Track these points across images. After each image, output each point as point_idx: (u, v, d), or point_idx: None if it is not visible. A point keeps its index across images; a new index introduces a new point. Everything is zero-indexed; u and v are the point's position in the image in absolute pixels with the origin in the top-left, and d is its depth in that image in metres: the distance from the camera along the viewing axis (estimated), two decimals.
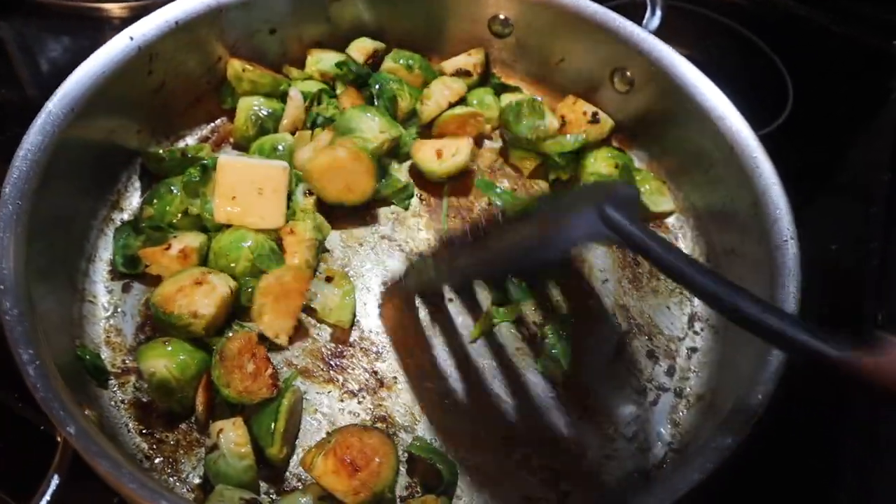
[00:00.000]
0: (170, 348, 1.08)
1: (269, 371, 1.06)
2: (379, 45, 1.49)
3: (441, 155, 1.37)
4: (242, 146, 1.39)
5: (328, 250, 1.28)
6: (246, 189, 1.21)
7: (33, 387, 0.86)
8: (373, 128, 1.32)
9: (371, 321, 1.22)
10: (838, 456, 1.23)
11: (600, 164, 1.41)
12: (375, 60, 1.49)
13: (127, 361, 1.14)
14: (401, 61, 1.48)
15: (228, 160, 1.23)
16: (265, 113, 1.38)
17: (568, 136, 1.42)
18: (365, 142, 1.30)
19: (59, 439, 0.99)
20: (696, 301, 1.32)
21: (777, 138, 1.64)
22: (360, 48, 1.47)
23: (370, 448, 1.03)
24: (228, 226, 1.22)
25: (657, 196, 1.43)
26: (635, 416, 1.18)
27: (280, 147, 1.34)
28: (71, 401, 0.89)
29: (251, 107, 1.38)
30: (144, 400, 1.10)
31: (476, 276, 1.23)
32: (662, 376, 1.23)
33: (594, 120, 1.46)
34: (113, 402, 1.09)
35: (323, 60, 1.45)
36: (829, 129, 1.79)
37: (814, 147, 1.72)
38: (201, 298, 1.10)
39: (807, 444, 1.23)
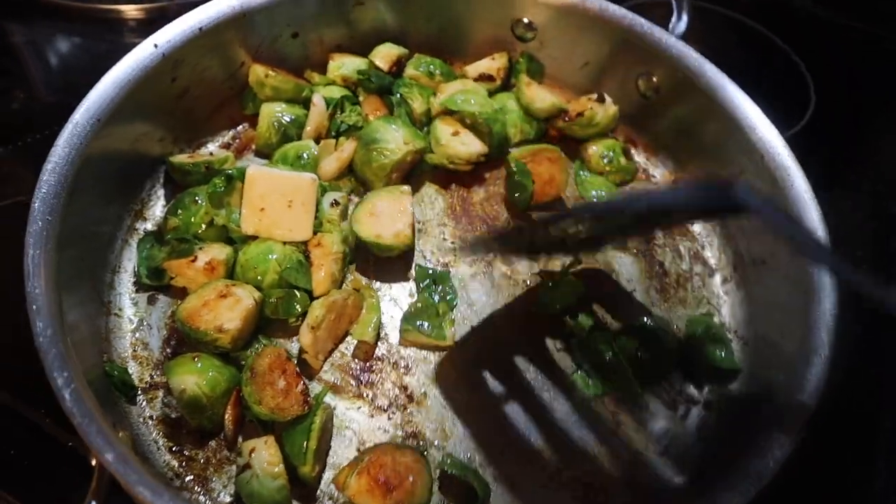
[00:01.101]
0: (199, 364, 1.07)
1: (300, 387, 1.05)
2: (403, 51, 1.47)
3: (458, 134, 1.37)
4: (265, 153, 1.38)
5: (354, 262, 1.27)
6: (274, 201, 1.20)
7: (70, 412, 0.85)
8: (397, 139, 1.30)
9: (399, 334, 1.20)
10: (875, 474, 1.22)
11: (598, 149, 1.44)
12: (399, 67, 1.46)
13: (154, 376, 1.12)
14: (421, 68, 1.46)
15: (257, 171, 1.21)
16: (288, 119, 1.36)
17: None
18: (390, 153, 1.28)
19: (93, 462, 0.98)
20: (724, 311, 1.31)
21: (800, 140, 1.62)
22: (385, 55, 1.45)
23: (403, 466, 1.02)
24: (255, 237, 1.20)
25: None
26: (665, 431, 1.17)
27: (304, 155, 1.32)
28: (107, 425, 0.88)
29: (273, 113, 1.36)
30: (173, 416, 1.09)
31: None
32: (692, 389, 1.21)
33: (599, 99, 1.45)
34: (142, 419, 1.08)
35: (345, 65, 1.43)
36: (853, 129, 1.78)
37: (837, 149, 1.71)
38: (226, 312, 1.09)
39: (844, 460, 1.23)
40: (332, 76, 1.43)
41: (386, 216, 1.24)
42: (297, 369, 1.08)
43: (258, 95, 1.39)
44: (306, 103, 1.39)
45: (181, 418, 1.08)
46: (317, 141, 1.36)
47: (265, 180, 1.21)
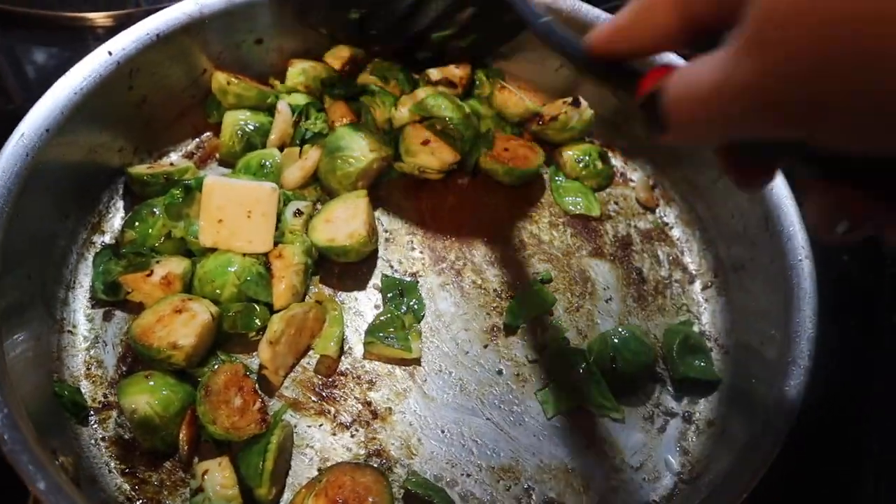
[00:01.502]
0: (152, 383, 1.02)
1: (258, 405, 1.01)
2: (356, 50, 1.42)
3: (428, 143, 1.32)
4: (230, 162, 1.33)
5: (317, 274, 1.22)
6: (233, 211, 1.16)
7: (1, 439, 0.81)
8: (362, 146, 1.26)
9: (363, 348, 1.16)
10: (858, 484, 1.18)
11: (573, 153, 1.41)
12: (354, 67, 1.42)
13: (108, 395, 1.08)
14: (377, 73, 1.41)
15: (215, 181, 1.17)
16: (252, 127, 1.32)
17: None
18: (355, 161, 1.24)
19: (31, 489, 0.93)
20: (705, 318, 1.26)
21: None
22: (337, 56, 1.40)
23: (363, 487, 0.98)
24: (213, 250, 1.16)
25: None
26: (642, 445, 1.12)
27: (267, 163, 1.28)
28: (43, 451, 0.83)
29: (237, 121, 1.32)
30: (126, 437, 1.04)
31: None
32: (670, 401, 1.17)
33: (574, 103, 1.40)
34: (93, 440, 1.04)
35: (305, 71, 1.38)
36: None
37: None
38: (181, 328, 1.05)
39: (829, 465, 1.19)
40: (292, 83, 1.39)
41: (341, 220, 1.21)
42: (256, 386, 1.04)
43: (221, 103, 1.34)
44: (271, 110, 1.35)
45: (134, 439, 1.04)
46: (281, 149, 1.32)
47: (223, 190, 1.16)
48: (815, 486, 1.17)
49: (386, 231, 1.29)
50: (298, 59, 1.41)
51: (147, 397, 1.01)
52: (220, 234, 1.16)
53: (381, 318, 1.16)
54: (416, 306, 1.19)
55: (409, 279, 1.23)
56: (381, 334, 1.13)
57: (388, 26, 1.29)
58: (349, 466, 1.00)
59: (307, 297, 1.18)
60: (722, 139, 0.63)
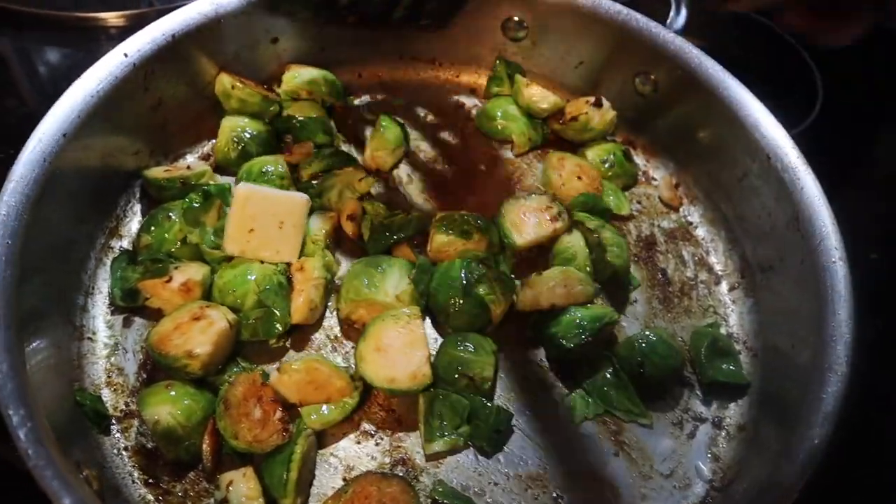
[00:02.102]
0: (173, 393, 1.01)
1: (279, 415, 1.00)
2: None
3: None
4: (225, 168, 1.31)
5: (338, 290, 1.18)
6: (266, 221, 1.14)
7: (24, 453, 0.79)
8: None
9: None
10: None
11: (597, 153, 1.39)
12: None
13: (129, 404, 1.06)
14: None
15: (248, 190, 1.15)
16: (248, 135, 1.29)
17: None
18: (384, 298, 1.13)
19: None
20: (732, 320, 1.24)
21: (808, 137, 1.55)
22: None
23: (390, 497, 0.96)
24: (229, 259, 1.14)
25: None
26: (672, 451, 1.10)
27: (268, 169, 1.25)
28: (67, 465, 0.82)
29: (235, 127, 1.29)
30: (149, 446, 1.03)
31: None
32: (699, 406, 1.15)
33: (596, 104, 1.38)
34: (116, 450, 1.02)
35: (301, 75, 1.36)
36: (862, 124, 1.71)
37: (848, 144, 1.64)
38: (198, 335, 1.03)
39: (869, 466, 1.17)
40: (289, 88, 1.35)
41: (397, 351, 1.05)
42: (274, 395, 1.02)
43: (224, 106, 1.32)
44: (273, 120, 1.33)
45: (157, 448, 1.02)
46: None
47: (257, 199, 1.14)
48: (851, 490, 1.15)
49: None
50: (297, 64, 1.38)
51: (169, 408, 0.99)
52: (249, 244, 1.14)
53: None
54: None
55: None
56: None
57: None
58: (375, 476, 0.99)
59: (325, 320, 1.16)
60: None
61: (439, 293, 1.12)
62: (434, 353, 1.10)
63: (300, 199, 1.16)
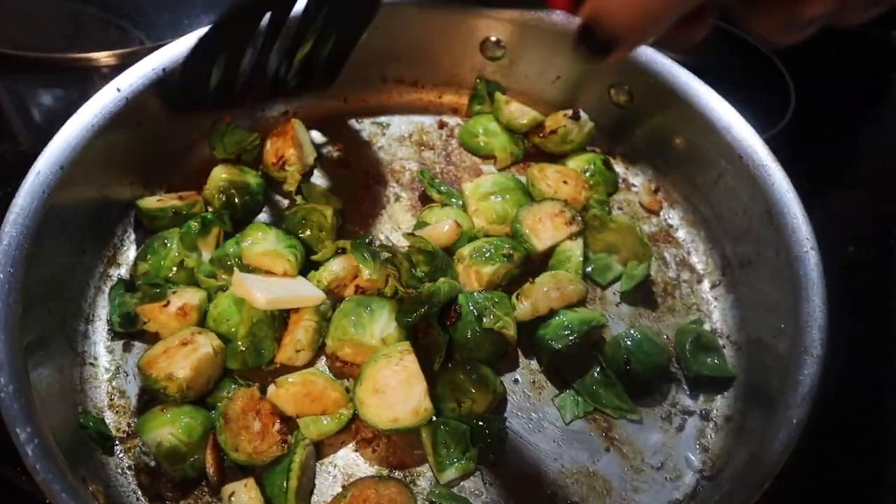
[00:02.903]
0: (169, 415, 1.03)
1: (277, 426, 1.03)
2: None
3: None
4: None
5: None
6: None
7: (33, 468, 0.83)
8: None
9: None
10: (881, 464, 1.18)
11: (577, 164, 1.43)
12: None
13: (132, 425, 1.09)
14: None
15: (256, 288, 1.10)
16: (234, 190, 1.31)
17: None
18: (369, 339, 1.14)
19: None
20: (715, 316, 1.28)
21: (783, 140, 1.60)
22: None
23: (388, 499, 0.99)
24: (224, 287, 1.18)
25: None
26: (661, 445, 1.13)
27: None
28: (75, 480, 0.85)
29: (221, 178, 1.31)
30: (152, 464, 1.05)
31: None
32: (686, 400, 1.18)
33: (574, 116, 1.43)
34: (120, 469, 1.05)
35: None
36: (835, 125, 1.76)
37: (820, 145, 1.69)
38: (180, 360, 1.06)
39: (848, 458, 1.19)
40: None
41: (394, 390, 1.05)
42: (272, 407, 1.05)
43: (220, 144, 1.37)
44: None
45: (160, 466, 1.05)
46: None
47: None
48: (835, 476, 1.18)
49: None
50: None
51: (169, 428, 1.02)
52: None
53: None
54: None
55: None
56: None
57: (253, 75, 1.25)
58: (373, 480, 1.01)
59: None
60: (667, 25, 0.67)
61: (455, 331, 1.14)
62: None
63: (317, 296, 1.15)
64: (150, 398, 1.12)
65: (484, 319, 1.13)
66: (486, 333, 1.13)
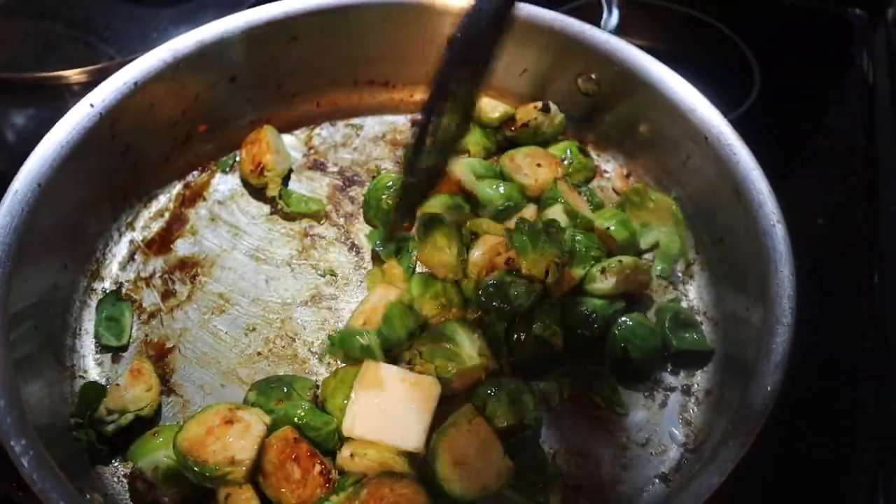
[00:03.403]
0: (161, 439, 1.03)
1: (318, 468, 1.01)
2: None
3: None
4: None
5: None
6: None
7: (30, 479, 0.84)
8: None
9: None
10: (853, 444, 1.21)
11: (554, 152, 1.45)
12: None
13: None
14: None
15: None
16: None
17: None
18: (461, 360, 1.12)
19: None
20: (692, 295, 1.31)
21: (749, 119, 1.64)
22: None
23: (404, 498, 0.98)
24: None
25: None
26: (646, 421, 1.16)
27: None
28: (71, 490, 0.86)
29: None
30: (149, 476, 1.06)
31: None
32: (668, 376, 1.21)
33: (544, 109, 1.46)
34: (116, 478, 1.07)
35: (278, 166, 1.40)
36: (799, 103, 1.80)
37: (786, 123, 1.73)
38: (236, 440, 1.00)
39: (821, 436, 1.23)
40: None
41: (475, 458, 1.01)
42: (310, 448, 1.03)
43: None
44: None
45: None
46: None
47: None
48: (808, 455, 1.21)
49: None
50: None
51: (164, 451, 1.01)
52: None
53: None
54: None
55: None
56: None
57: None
58: (387, 478, 1.00)
59: None
60: None
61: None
62: None
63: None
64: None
65: (533, 326, 1.16)
66: (534, 339, 1.15)
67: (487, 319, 1.18)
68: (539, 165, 1.40)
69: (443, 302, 1.20)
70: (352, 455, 1.03)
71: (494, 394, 1.09)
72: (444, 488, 1.00)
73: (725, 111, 1.29)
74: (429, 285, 1.22)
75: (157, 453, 1.02)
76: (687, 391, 1.20)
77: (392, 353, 1.15)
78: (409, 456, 1.04)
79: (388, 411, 1.04)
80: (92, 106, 1.22)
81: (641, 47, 1.39)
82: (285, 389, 1.10)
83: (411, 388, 1.06)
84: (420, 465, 1.04)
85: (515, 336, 1.17)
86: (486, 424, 1.05)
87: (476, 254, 1.23)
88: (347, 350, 1.15)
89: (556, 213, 1.29)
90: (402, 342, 1.15)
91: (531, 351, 1.17)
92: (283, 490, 1.00)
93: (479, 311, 1.19)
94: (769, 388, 0.97)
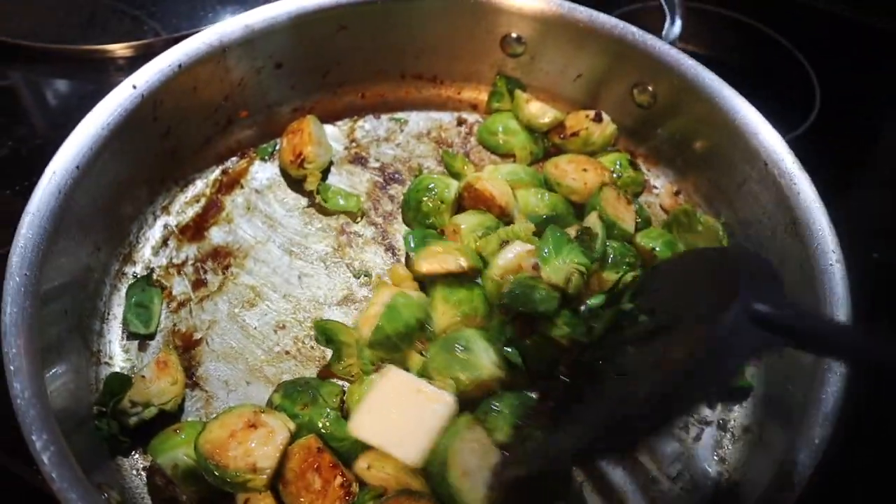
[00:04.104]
0: (183, 436, 1.01)
1: (339, 480, 0.99)
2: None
3: None
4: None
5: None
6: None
7: (49, 476, 0.82)
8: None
9: None
10: None
11: (606, 163, 1.40)
12: None
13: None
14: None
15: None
16: None
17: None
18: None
19: None
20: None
21: (806, 141, 1.58)
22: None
23: None
24: None
25: None
26: (678, 454, 1.12)
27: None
28: (90, 487, 0.85)
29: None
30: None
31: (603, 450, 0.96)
32: (704, 409, 1.16)
33: (597, 118, 1.40)
34: (135, 471, 1.05)
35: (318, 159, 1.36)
36: (862, 127, 1.73)
37: (846, 147, 1.66)
38: (259, 446, 0.97)
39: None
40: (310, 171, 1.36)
41: (478, 468, 0.99)
42: (332, 459, 1.01)
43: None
44: None
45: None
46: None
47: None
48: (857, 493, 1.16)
49: None
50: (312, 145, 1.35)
51: (184, 449, 1.00)
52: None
53: None
54: None
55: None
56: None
57: None
58: (406, 497, 0.98)
59: None
60: None
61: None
62: None
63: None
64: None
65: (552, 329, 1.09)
66: (545, 340, 1.10)
67: (506, 320, 1.13)
68: (585, 170, 1.35)
69: (465, 311, 1.15)
70: (368, 467, 1.01)
71: (498, 408, 1.05)
72: (457, 499, 0.97)
73: (784, 130, 1.24)
74: (453, 290, 1.17)
75: (177, 451, 1.00)
76: (723, 426, 1.15)
77: (393, 347, 1.12)
78: (426, 475, 1.01)
79: (396, 420, 1.01)
80: (134, 87, 1.19)
81: (698, 55, 1.34)
82: (311, 394, 1.07)
83: (426, 402, 1.02)
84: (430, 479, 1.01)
85: (530, 340, 1.10)
86: (485, 433, 1.02)
87: (506, 256, 1.17)
88: (330, 335, 1.15)
89: (591, 220, 1.24)
90: (405, 335, 1.11)
91: (544, 354, 1.10)
92: (303, 500, 0.98)
93: (501, 311, 1.14)
94: (817, 441, 0.92)
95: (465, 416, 1.03)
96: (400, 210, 1.36)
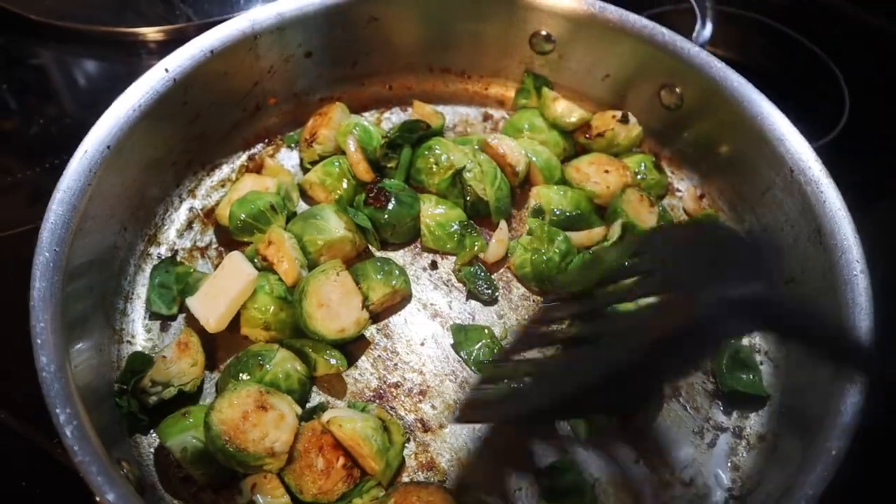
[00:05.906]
0: (191, 420, 1.02)
1: (341, 461, 1.01)
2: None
3: None
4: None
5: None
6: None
7: (71, 450, 0.84)
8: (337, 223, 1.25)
9: (413, 357, 1.18)
10: None
11: (631, 164, 1.39)
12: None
13: None
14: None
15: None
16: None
17: None
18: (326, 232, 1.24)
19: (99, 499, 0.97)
20: (755, 332, 1.25)
21: (835, 149, 1.56)
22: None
23: None
24: None
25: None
26: (692, 460, 1.12)
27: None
28: (110, 462, 0.86)
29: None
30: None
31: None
32: (720, 415, 1.16)
33: (623, 119, 1.40)
34: (152, 449, 1.07)
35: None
36: (890, 132, 1.71)
37: (875, 153, 1.64)
38: (272, 430, 0.99)
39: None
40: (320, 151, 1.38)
41: (337, 304, 1.13)
42: (335, 441, 1.03)
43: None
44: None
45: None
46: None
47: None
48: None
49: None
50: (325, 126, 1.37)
51: (192, 432, 1.01)
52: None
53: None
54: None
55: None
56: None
57: None
58: (414, 486, 1.00)
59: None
60: None
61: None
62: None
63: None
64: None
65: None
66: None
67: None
68: (607, 172, 1.35)
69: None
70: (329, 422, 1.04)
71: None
72: (306, 324, 1.11)
73: (813, 137, 1.23)
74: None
75: (185, 434, 1.01)
76: (738, 434, 1.15)
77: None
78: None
79: (215, 294, 1.12)
80: (167, 71, 1.21)
81: (727, 59, 1.33)
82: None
83: (236, 275, 1.13)
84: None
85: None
86: (351, 279, 1.15)
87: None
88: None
89: (616, 231, 1.26)
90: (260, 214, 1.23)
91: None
92: (306, 478, 1.00)
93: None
94: (834, 453, 0.92)
95: (335, 260, 1.18)
96: None
